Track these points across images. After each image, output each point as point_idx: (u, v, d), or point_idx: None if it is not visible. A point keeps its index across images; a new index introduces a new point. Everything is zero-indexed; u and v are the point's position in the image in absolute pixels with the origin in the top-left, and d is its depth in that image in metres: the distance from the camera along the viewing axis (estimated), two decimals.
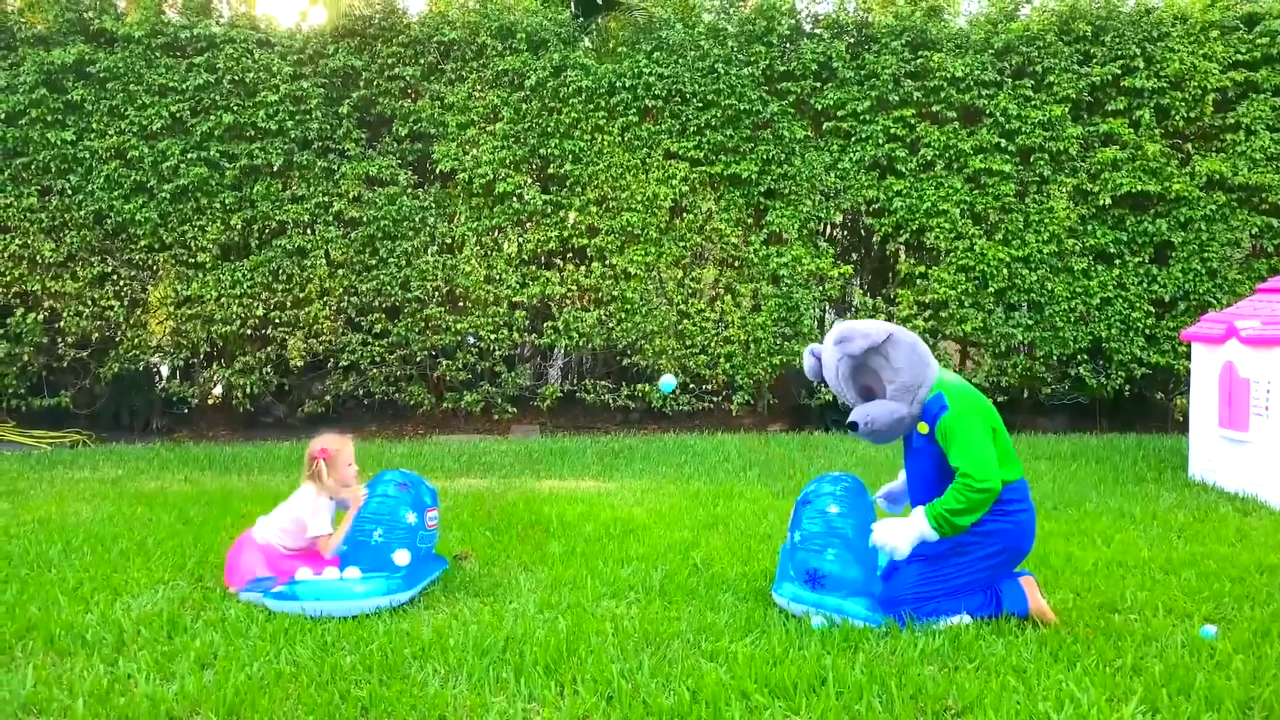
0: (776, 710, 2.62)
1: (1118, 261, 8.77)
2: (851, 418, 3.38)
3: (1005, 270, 8.68)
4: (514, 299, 8.77)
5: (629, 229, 8.69)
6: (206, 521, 4.92)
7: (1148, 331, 8.77)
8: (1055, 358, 8.83)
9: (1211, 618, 3.43)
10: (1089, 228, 8.73)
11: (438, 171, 8.75)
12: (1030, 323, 8.79)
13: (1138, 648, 3.08)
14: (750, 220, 8.92)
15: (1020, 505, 3.37)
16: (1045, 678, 2.83)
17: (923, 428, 3.37)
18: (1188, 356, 8.86)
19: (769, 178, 8.74)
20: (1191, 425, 6.52)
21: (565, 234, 8.79)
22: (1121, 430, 8.85)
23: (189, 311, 8.57)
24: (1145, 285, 8.75)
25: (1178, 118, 8.69)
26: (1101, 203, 8.63)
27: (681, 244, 8.78)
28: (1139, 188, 8.59)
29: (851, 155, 8.75)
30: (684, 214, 8.85)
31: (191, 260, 8.56)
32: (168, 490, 5.92)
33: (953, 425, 3.27)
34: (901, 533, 3.27)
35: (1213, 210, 8.61)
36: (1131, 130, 8.67)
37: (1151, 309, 8.78)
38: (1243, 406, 5.89)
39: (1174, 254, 8.74)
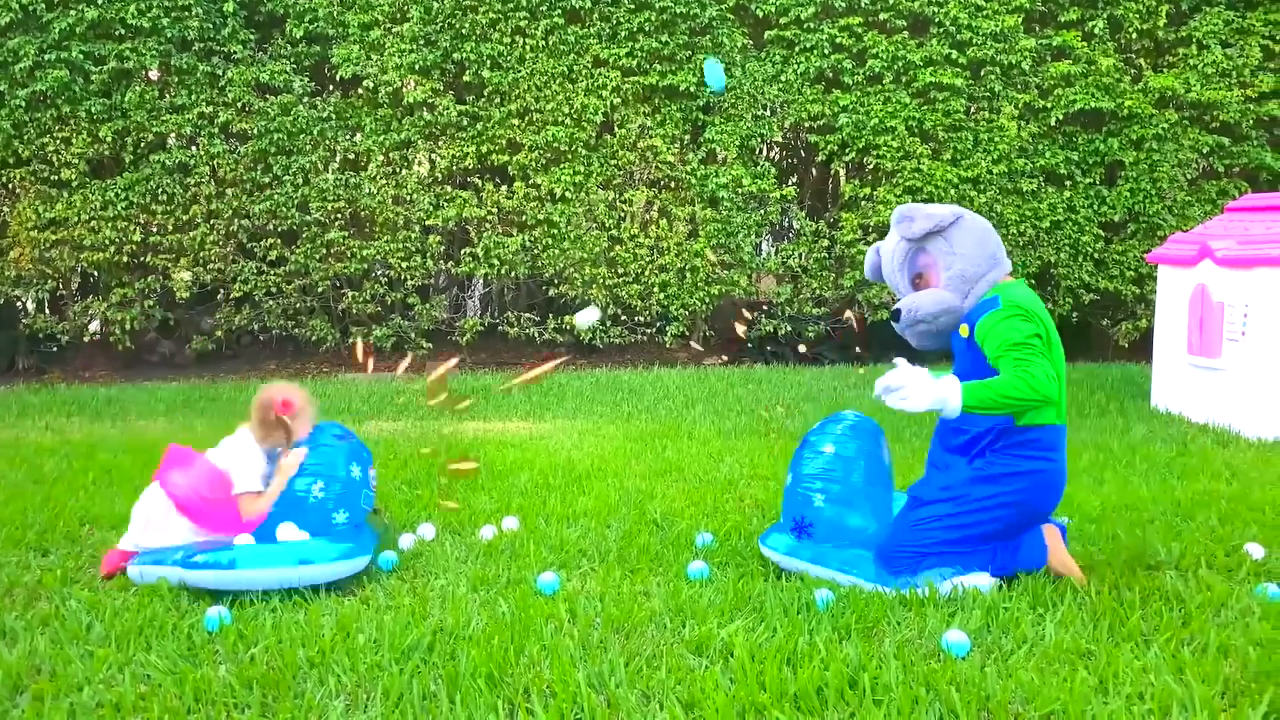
0: None
1: (1068, 183, 8.40)
2: (895, 305, 2.87)
3: (953, 191, 8.23)
4: (427, 222, 8.10)
5: (555, 145, 7.98)
6: (62, 478, 4.14)
7: (1097, 256, 8.45)
8: None
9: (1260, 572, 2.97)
10: (1040, 147, 8.32)
11: (338, 78, 7.98)
12: None
13: (1211, 618, 2.55)
14: (687, 137, 8.30)
15: (1051, 455, 2.83)
16: (1118, 665, 2.27)
17: (964, 330, 2.84)
18: (1136, 282, 8.60)
19: (707, 90, 8.08)
20: (1155, 353, 6.19)
21: (483, 150, 8.03)
22: (1068, 359, 8.53)
23: (54, 236, 7.78)
24: (1095, 207, 8.41)
25: (1131, 30, 8.30)
26: (1053, 120, 8.21)
27: (612, 162, 8.15)
28: (1092, 104, 8.19)
29: (795, 67, 8.15)
30: (615, 129, 8.19)
31: (54, 178, 7.77)
32: (22, 440, 5.09)
33: (998, 324, 2.72)
34: (924, 387, 2.64)
35: (1164, 129, 8.27)
36: (1085, 44, 8.23)
37: (1101, 232, 8.45)
38: (1215, 332, 5.56)
39: (1124, 174, 8.39)
